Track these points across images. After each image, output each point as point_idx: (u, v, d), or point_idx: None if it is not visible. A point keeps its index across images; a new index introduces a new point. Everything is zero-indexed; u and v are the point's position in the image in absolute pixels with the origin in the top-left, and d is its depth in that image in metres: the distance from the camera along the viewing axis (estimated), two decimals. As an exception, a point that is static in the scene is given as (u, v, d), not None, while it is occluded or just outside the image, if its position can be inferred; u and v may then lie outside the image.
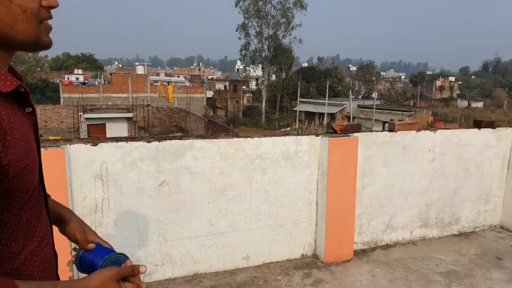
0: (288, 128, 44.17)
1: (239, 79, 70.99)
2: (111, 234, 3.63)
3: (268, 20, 53.07)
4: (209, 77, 79.92)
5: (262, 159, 4.06)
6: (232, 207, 4.04)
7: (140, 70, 52.78)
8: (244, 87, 67.88)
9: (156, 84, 48.06)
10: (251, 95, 72.10)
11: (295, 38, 54.38)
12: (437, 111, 58.79)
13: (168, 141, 3.70)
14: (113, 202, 3.60)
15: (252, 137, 4.02)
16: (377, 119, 37.75)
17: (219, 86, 64.88)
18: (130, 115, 30.39)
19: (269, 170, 4.11)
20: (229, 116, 54.13)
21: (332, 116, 45.11)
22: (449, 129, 5.20)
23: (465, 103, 72.77)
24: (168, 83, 49.75)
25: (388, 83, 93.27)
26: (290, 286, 3.89)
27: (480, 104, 75.48)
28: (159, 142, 3.67)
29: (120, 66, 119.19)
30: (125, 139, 3.58)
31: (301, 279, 4.02)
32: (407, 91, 73.28)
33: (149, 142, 3.64)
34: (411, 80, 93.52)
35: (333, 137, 4.16)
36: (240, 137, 4.03)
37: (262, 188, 4.12)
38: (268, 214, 4.19)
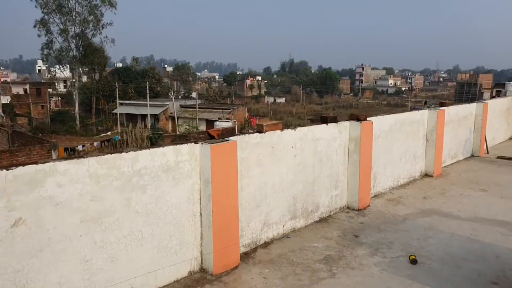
0: (109, 133, 41.15)
1: (43, 81, 62.31)
2: None
3: (74, 17, 47.99)
4: (2, 79, 67.40)
5: (140, 175, 3.56)
6: (110, 237, 3.43)
7: None
8: (50, 90, 60.02)
9: None
10: (60, 98, 64.36)
11: (106, 37, 50.69)
12: (250, 107, 64.29)
13: (21, 167, 2.85)
14: None
15: (127, 152, 3.48)
16: (201, 118, 38.86)
17: (17, 90, 55.54)
18: None
19: (149, 187, 3.64)
20: (34, 124, 46.93)
21: (155, 117, 44.19)
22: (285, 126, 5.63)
23: (271, 99, 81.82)
24: None
25: (204, 83, 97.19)
26: (186, 310, 3.54)
27: (283, 100, 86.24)
28: (7, 170, 2.79)
29: None
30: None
31: (196, 299, 3.71)
32: (223, 90, 77.89)
33: (-7, 172, 2.72)
34: (225, 79, 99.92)
35: (213, 143, 3.97)
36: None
37: (142, 208, 3.62)
38: (151, 236, 3.72)
